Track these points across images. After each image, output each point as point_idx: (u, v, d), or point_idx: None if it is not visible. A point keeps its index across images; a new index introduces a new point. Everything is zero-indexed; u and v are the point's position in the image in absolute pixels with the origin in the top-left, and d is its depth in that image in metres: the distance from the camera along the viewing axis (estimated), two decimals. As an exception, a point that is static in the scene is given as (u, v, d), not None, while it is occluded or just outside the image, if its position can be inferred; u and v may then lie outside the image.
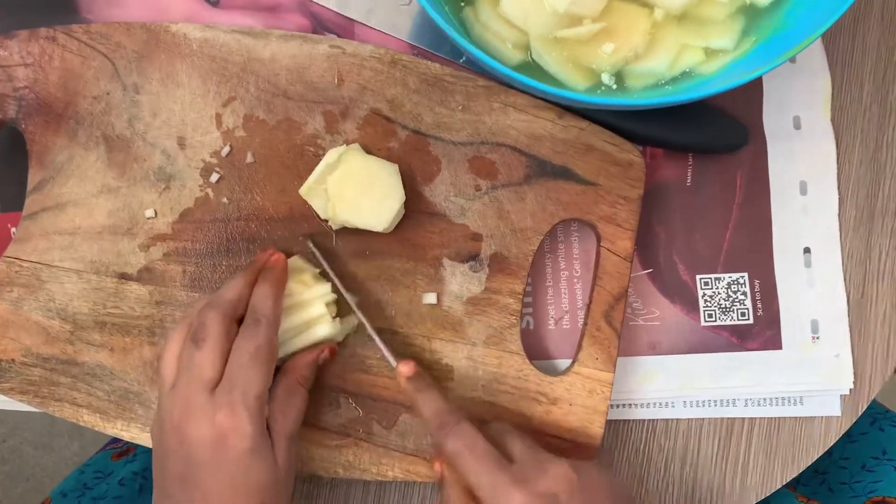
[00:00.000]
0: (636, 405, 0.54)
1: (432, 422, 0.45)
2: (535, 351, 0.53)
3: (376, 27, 0.54)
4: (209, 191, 0.51)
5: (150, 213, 0.51)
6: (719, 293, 0.53)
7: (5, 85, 0.52)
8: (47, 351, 0.51)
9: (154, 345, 0.51)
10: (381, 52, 0.51)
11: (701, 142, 0.52)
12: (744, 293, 0.53)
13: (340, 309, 0.51)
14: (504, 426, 0.47)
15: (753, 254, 0.53)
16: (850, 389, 0.53)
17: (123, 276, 0.51)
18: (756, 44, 0.47)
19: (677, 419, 0.54)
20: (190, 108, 0.51)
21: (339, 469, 0.50)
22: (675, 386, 0.53)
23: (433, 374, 0.50)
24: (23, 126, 0.52)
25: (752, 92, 0.54)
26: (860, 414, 0.53)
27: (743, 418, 0.54)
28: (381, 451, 0.50)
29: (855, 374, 0.53)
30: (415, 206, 0.51)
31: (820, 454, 0.53)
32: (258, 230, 0.51)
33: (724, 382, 0.53)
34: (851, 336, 0.53)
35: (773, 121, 0.54)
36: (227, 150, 0.51)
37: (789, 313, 0.53)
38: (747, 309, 0.53)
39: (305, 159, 0.51)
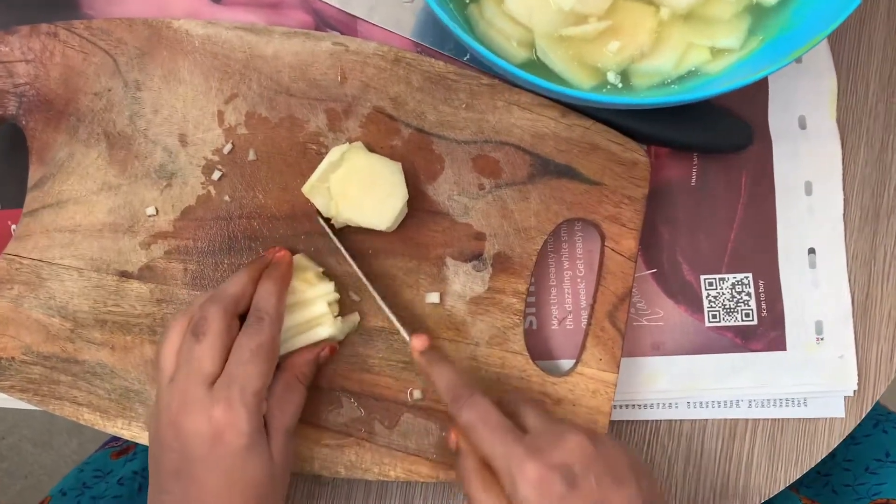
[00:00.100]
0: (640, 406, 0.53)
1: (446, 395, 0.44)
2: (539, 351, 0.53)
3: (379, 24, 0.54)
4: (211, 188, 0.51)
5: (151, 210, 0.51)
6: (723, 294, 0.53)
7: (6, 81, 0.51)
8: (47, 349, 0.50)
9: (155, 343, 0.50)
10: (384, 49, 0.51)
11: (706, 141, 0.52)
12: (748, 294, 0.53)
13: (342, 308, 0.50)
14: (518, 397, 0.46)
15: (758, 254, 0.53)
16: (854, 391, 0.53)
17: (124, 274, 0.51)
18: (762, 43, 0.47)
19: (681, 420, 0.53)
20: (192, 105, 0.51)
21: (340, 469, 0.50)
22: (679, 387, 0.53)
23: (436, 373, 0.50)
24: (23, 122, 0.51)
25: (757, 91, 0.54)
26: (864, 416, 0.53)
27: (746, 419, 0.53)
28: (383, 450, 0.50)
29: (859, 375, 0.53)
30: (418, 205, 0.50)
31: (824, 456, 0.53)
32: (260, 228, 0.51)
33: (727, 383, 0.53)
34: (856, 337, 0.53)
35: (779, 121, 0.54)
36: (229, 147, 0.51)
37: (794, 314, 0.53)
38: (751, 310, 0.53)
39: (308, 157, 0.51)
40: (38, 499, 0.65)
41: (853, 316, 0.53)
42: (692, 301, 0.53)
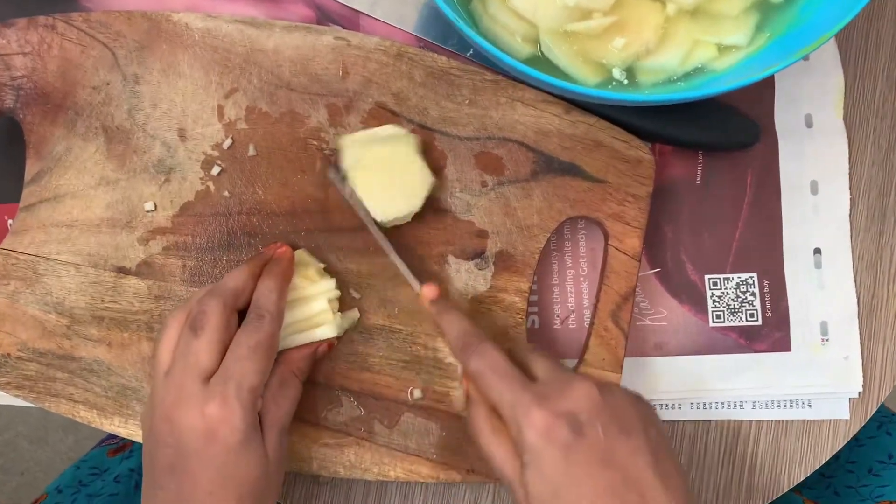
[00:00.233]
0: (642, 406, 0.53)
1: (456, 343, 0.45)
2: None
3: (382, 19, 0.53)
4: (210, 184, 0.50)
5: (149, 206, 0.50)
6: (728, 293, 0.53)
7: (3, 74, 0.51)
8: (44, 345, 0.50)
9: (152, 340, 0.50)
10: (386, 44, 0.50)
11: (711, 139, 0.51)
12: (753, 294, 0.53)
13: (342, 306, 0.50)
14: (528, 346, 0.46)
15: (763, 254, 0.53)
16: (859, 393, 0.52)
17: (122, 270, 0.50)
18: (770, 40, 0.46)
19: (684, 421, 0.53)
20: (191, 100, 0.50)
21: (339, 469, 0.49)
22: (682, 387, 0.52)
23: (437, 373, 0.49)
24: (20, 116, 0.51)
25: (763, 89, 0.53)
26: (869, 417, 0.52)
27: (750, 421, 0.53)
28: (382, 450, 0.49)
29: (864, 377, 0.52)
30: (419, 202, 0.50)
31: (828, 458, 0.52)
32: (260, 225, 0.50)
33: (731, 384, 0.52)
34: (861, 338, 0.52)
35: (785, 119, 0.53)
36: (228, 142, 0.50)
37: (798, 315, 0.52)
38: (756, 310, 0.52)
39: (308, 153, 0.50)
40: (34, 496, 0.65)
41: (859, 317, 0.52)
42: (696, 301, 0.53)
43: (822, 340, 0.52)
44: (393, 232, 0.50)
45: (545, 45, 0.46)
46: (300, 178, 0.50)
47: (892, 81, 0.53)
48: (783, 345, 0.52)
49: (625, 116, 0.50)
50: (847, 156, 0.53)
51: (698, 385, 0.52)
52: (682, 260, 0.53)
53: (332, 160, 0.49)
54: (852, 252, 0.53)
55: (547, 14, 0.46)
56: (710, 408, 0.53)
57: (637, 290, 0.52)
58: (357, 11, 0.53)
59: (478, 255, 0.50)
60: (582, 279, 0.53)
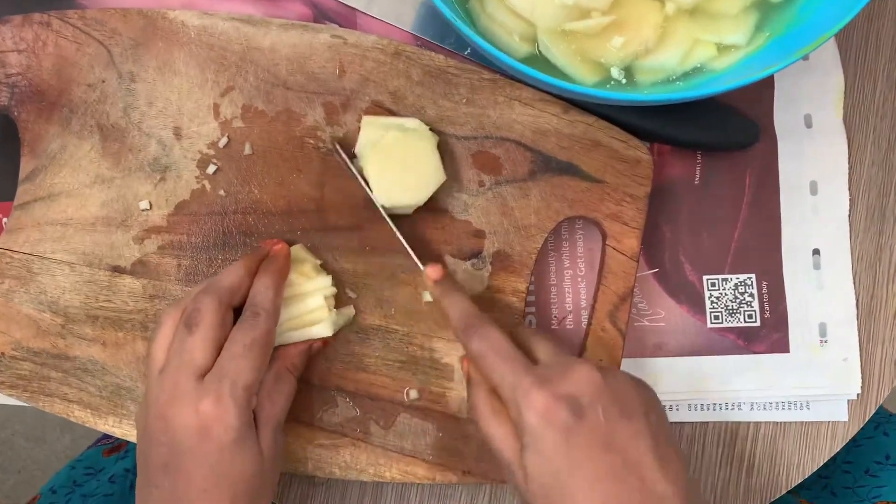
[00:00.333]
0: (640, 408, 0.53)
1: (459, 323, 0.44)
2: (538, 351, 0.52)
3: (379, 17, 0.53)
4: (206, 183, 0.50)
5: (144, 204, 0.50)
6: (726, 294, 0.52)
7: (-3, 71, 0.50)
8: (38, 345, 0.50)
9: (147, 340, 0.49)
10: (383, 42, 0.50)
11: (710, 139, 0.51)
12: (751, 295, 0.52)
13: (338, 304, 0.49)
14: (531, 329, 0.46)
15: (761, 254, 0.52)
16: (858, 394, 0.52)
17: (117, 269, 0.50)
18: (769, 40, 0.46)
19: (682, 422, 0.53)
20: (187, 98, 0.50)
21: (335, 470, 0.49)
22: (680, 389, 0.52)
23: (433, 373, 0.49)
24: (15, 113, 0.50)
25: (762, 89, 0.53)
26: (867, 419, 0.52)
27: (748, 422, 0.53)
28: (378, 451, 0.49)
29: (863, 378, 0.52)
30: (416, 202, 0.49)
31: (826, 460, 0.52)
32: (255, 224, 0.50)
33: (729, 385, 0.52)
34: (860, 340, 0.52)
35: (784, 119, 0.53)
36: (224, 141, 0.50)
37: (797, 316, 0.52)
38: (754, 311, 0.52)
39: (305, 151, 0.50)
40: (31, 494, 0.65)
41: (858, 318, 0.52)
42: (694, 301, 0.52)
43: (821, 342, 0.52)
44: (390, 230, 0.49)
45: (543, 45, 0.46)
46: (296, 177, 0.49)
47: (892, 81, 0.53)
48: (782, 346, 0.52)
49: (623, 116, 0.50)
50: (847, 156, 0.53)
51: (696, 386, 0.52)
52: (681, 260, 0.53)
53: (338, 140, 0.49)
54: (851, 253, 0.52)
55: (545, 13, 0.45)
56: (708, 409, 0.53)
57: (635, 290, 0.52)
58: (354, 9, 0.53)
59: (475, 255, 0.50)
60: (580, 279, 0.53)
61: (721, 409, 0.53)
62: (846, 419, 0.52)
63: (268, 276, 0.45)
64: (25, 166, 0.50)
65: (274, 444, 0.44)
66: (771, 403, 0.52)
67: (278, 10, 0.53)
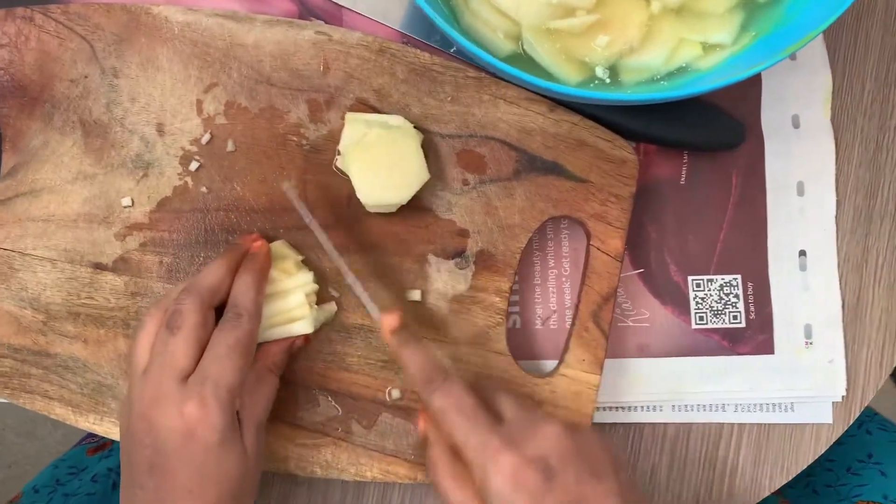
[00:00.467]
0: (623, 408, 0.52)
1: (418, 377, 0.42)
2: (522, 351, 0.52)
3: (365, 14, 0.52)
4: (188, 179, 0.50)
5: (126, 201, 0.50)
6: (711, 295, 0.52)
7: (-21, 66, 0.50)
8: (18, 341, 0.49)
9: (129, 337, 0.49)
10: (368, 39, 0.49)
11: (696, 139, 0.51)
12: (736, 296, 0.52)
13: (320, 302, 0.49)
14: (494, 384, 0.45)
15: (747, 255, 0.52)
16: (843, 397, 0.52)
17: (98, 266, 0.50)
18: (755, 39, 0.45)
19: (665, 423, 0.52)
20: (170, 94, 0.50)
21: (316, 468, 0.49)
22: (664, 389, 0.52)
23: (415, 372, 0.49)
24: (-3, 109, 0.50)
25: (749, 88, 0.53)
26: (852, 422, 0.52)
27: (732, 424, 0.52)
28: (359, 450, 0.49)
29: (848, 381, 0.52)
30: (400, 200, 0.49)
31: (810, 462, 0.52)
32: (238, 221, 0.50)
33: (713, 387, 0.52)
34: (846, 342, 0.52)
35: (771, 119, 0.52)
36: (207, 137, 0.50)
37: (783, 317, 0.52)
38: (739, 312, 0.52)
39: (287, 149, 0.49)
40: (21, 489, 0.64)
41: (843, 320, 0.52)
42: (679, 302, 0.52)
43: (806, 343, 0.52)
44: (373, 228, 0.49)
45: (527, 43, 0.46)
46: (279, 175, 0.49)
47: (880, 81, 0.53)
48: (766, 348, 0.52)
49: (609, 115, 0.49)
50: (834, 156, 0.52)
51: (680, 387, 0.52)
52: (666, 261, 0.52)
53: (287, 177, 0.49)
54: (838, 254, 0.52)
55: (530, 11, 0.45)
56: (692, 410, 0.52)
57: (620, 290, 0.52)
58: (340, 6, 0.53)
59: (458, 254, 0.49)
60: (564, 279, 0.52)
61: (705, 410, 0.52)
62: (830, 421, 0.52)
63: (249, 275, 0.45)
64: (7, 162, 0.50)
65: (257, 444, 0.44)
66: (755, 405, 0.52)
67: (263, 7, 0.53)
